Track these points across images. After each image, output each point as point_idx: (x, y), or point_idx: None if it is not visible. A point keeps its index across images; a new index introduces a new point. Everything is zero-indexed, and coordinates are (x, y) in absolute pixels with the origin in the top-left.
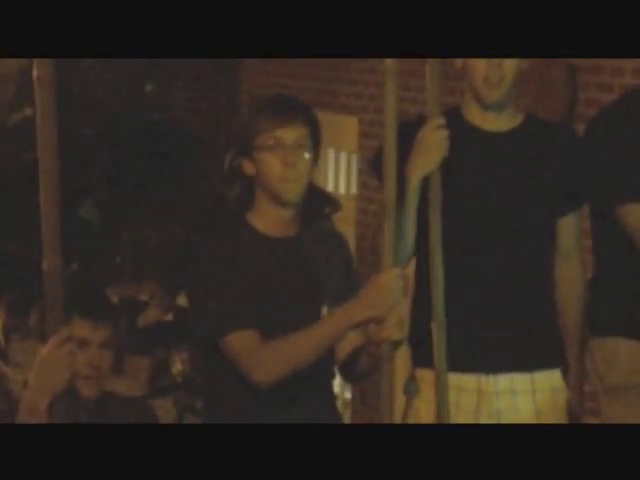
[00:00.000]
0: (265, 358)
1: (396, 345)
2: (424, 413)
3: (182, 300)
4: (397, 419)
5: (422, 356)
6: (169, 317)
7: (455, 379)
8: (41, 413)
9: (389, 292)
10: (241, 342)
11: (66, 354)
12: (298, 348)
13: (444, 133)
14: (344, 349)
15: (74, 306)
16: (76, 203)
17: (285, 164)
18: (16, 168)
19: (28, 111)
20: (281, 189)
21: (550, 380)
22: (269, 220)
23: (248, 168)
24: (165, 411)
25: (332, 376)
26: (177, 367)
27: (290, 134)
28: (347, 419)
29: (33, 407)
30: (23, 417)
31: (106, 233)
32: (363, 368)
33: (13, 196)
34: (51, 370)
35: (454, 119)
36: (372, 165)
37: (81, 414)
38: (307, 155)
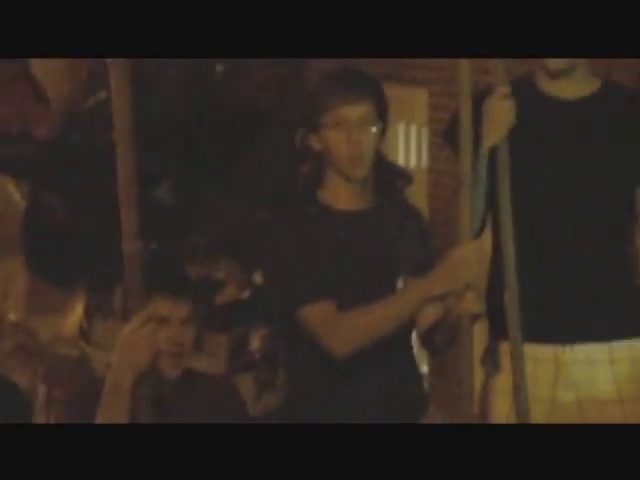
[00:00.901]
0: (342, 329)
1: (475, 318)
2: (501, 385)
3: (258, 277)
4: (476, 392)
5: (499, 328)
6: (246, 294)
7: (532, 350)
8: (125, 392)
9: (467, 266)
10: (318, 313)
11: (148, 333)
12: (375, 319)
13: (510, 102)
14: (425, 320)
15: (154, 285)
16: (153, 184)
17: (349, 142)
18: (93, 151)
19: (103, 95)
20: (347, 166)
21: (630, 350)
22: (340, 194)
23: (316, 144)
24: (245, 388)
25: (411, 347)
26: (255, 344)
27: (355, 111)
28: (425, 392)
29: (117, 386)
30: (107, 397)
31: (183, 213)
32: (443, 340)
33: (91, 178)
34: (134, 349)
35: (525, 88)
36: (445, 136)
37: (165, 392)
38: (373, 131)
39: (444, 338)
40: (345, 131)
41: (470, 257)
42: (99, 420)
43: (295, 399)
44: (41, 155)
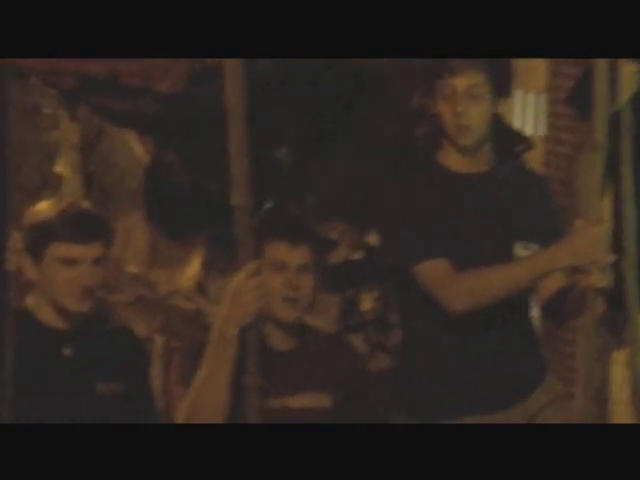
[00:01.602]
0: (459, 286)
1: (599, 292)
2: (617, 355)
3: (372, 238)
4: (593, 363)
5: (616, 296)
6: (359, 255)
7: None
8: (230, 342)
9: (599, 242)
10: (434, 270)
11: (256, 286)
12: (494, 281)
13: (635, 67)
14: (546, 290)
15: (271, 234)
16: (270, 143)
17: (455, 113)
18: (207, 108)
19: None
20: (455, 135)
21: None
22: (457, 157)
23: (432, 108)
24: (357, 349)
25: (530, 315)
26: (367, 305)
27: (462, 82)
28: (543, 361)
29: (223, 336)
30: (213, 346)
31: (298, 173)
32: (566, 311)
33: (211, 134)
34: (241, 301)
35: None
36: (569, 102)
37: (278, 341)
38: (483, 101)
39: (566, 310)
40: (451, 102)
41: (602, 235)
42: (204, 370)
43: (407, 360)
44: (163, 111)
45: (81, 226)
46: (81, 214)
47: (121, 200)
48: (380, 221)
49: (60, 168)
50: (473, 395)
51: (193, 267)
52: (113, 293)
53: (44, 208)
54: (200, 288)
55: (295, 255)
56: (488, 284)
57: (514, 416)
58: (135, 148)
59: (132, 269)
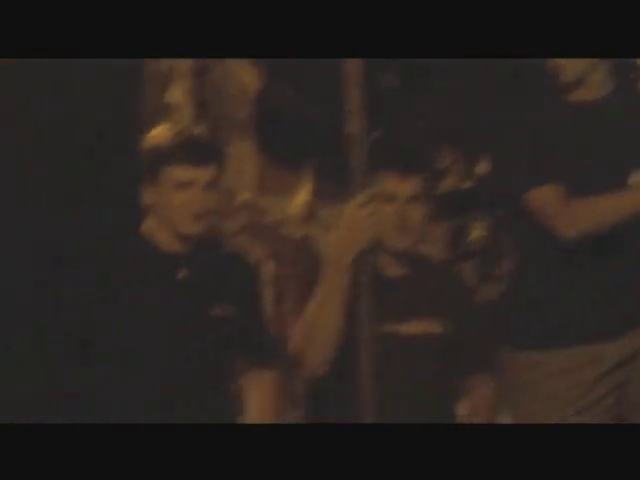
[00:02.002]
0: (571, 212)
1: None
2: None
3: (482, 167)
4: None
5: None
6: (468, 184)
7: None
8: (345, 270)
9: None
10: (547, 196)
11: (369, 214)
12: (607, 208)
13: None
14: None
15: (381, 164)
16: (380, 69)
17: None
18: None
19: None
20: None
21: None
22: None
23: None
24: (467, 278)
25: None
26: (476, 234)
27: None
28: None
29: (338, 264)
30: (328, 273)
31: (407, 100)
32: None
33: (320, 63)
34: (354, 229)
35: None
36: None
37: (389, 269)
38: None
39: None
40: None
41: None
42: (318, 298)
43: (517, 289)
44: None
45: (195, 150)
46: (195, 138)
47: (232, 128)
48: (491, 149)
49: (171, 97)
50: (583, 324)
51: (303, 195)
52: (224, 220)
53: (158, 133)
54: (310, 216)
55: (405, 186)
56: (602, 211)
57: (622, 347)
58: (246, 76)
59: (243, 196)
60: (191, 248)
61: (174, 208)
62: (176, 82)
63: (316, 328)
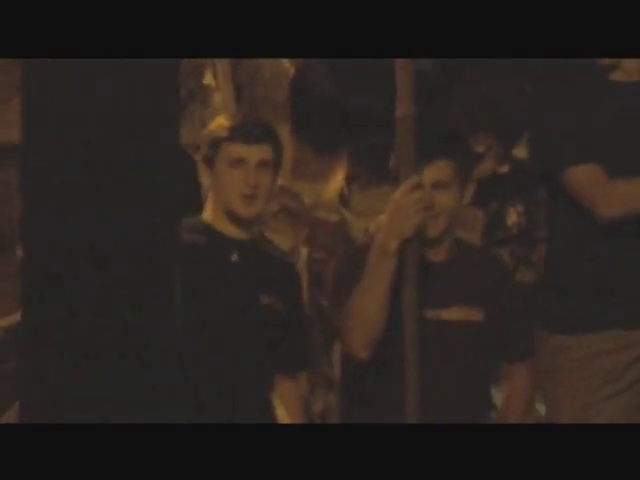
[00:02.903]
0: (612, 192)
1: None
2: None
3: (519, 151)
4: None
5: None
6: (505, 169)
7: None
8: (391, 255)
9: None
10: (586, 175)
11: (417, 200)
12: None
13: None
14: None
15: (424, 151)
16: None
17: None
18: None
19: None
20: None
21: None
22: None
23: None
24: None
25: None
26: (512, 219)
27: None
28: None
29: (384, 248)
30: (374, 259)
31: (443, 86)
32: None
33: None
34: (402, 214)
35: None
36: None
37: (429, 254)
38: None
39: None
40: None
41: None
42: (364, 284)
43: (553, 274)
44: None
45: (250, 129)
46: (250, 119)
47: (268, 112)
48: (529, 129)
49: (209, 80)
50: (621, 308)
51: (337, 179)
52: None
53: (216, 124)
54: (344, 200)
55: (444, 171)
56: None
57: None
58: (282, 60)
59: (278, 181)
60: (245, 231)
61: (228, 186)
62: (213, 66)
63: (361, 312)
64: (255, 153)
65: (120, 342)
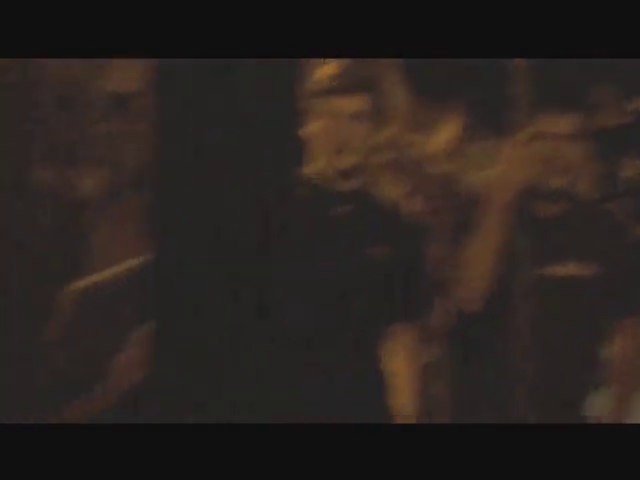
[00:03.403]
0: None
1: None
2: None
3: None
4: None
5: None
6: (623, 121)
7: None
8: (505, 208)
9: None
10: None
11: (533, 151)
12: None
13: None
14: None
15: (541, 101)
16: None
17: None
18: None
19: None
20: None
21: None
22: None
23: None
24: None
25: None
26: (628, 173)
27: None
28: None
29: (498, 202)
30: (487, 210)
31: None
32: None
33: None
34: (518, 166)
35: None
36: None
37: (543, 209)
38: None
39: None
40: None
41: None
42: (477, 235)
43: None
44: None
45: (347, 79)
46: (352, 69)
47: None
48: None
49: None
50: None
51: (452, 130)
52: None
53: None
54: (456, 152)
55: (562, 123)
56: None
57: None
58: None
59: (388, 130)
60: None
61: (326, 140)
62: None
63: (473, 264)
64: (350, 105)
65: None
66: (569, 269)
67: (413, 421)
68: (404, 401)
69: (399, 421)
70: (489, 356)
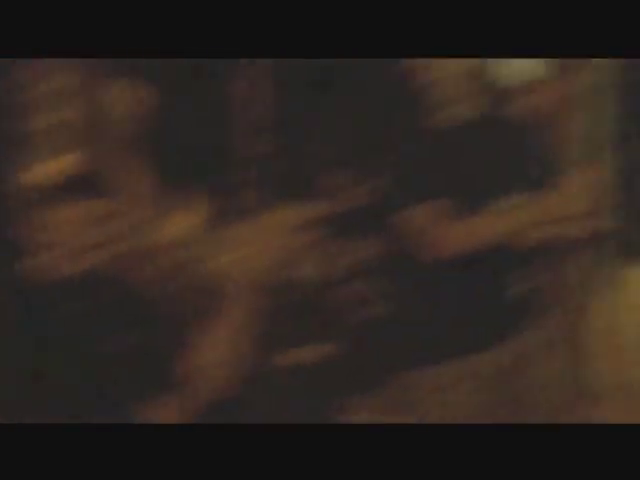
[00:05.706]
0: None
1: None
2: None
3: None
4: None
5: None
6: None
7: None
8: (244, 294)
9: None
10: None
11: (276, 238)
12: None
13: None
14: None
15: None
16: None
17: None
18: None
19: None
20: None
21: None
22: None
23: None
24: None
25: None
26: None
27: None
28: None
29: (247, 283)
30: (223, 297)
31: None
32: None
33: None
34: (260, 251)
35: None
36: None
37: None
38: None
39: None
40: None
41: None
42: (218, 323)
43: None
44: None
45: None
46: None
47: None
48: None
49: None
50: None
51: (192, 216)
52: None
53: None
54: (198, 237)
55: (293, 213)
56: None
57: None
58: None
59: (131, 218)
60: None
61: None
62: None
63: (214, 351)
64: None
65: None
66: (305, 352)
67: None
68: None
69: None
70: None
